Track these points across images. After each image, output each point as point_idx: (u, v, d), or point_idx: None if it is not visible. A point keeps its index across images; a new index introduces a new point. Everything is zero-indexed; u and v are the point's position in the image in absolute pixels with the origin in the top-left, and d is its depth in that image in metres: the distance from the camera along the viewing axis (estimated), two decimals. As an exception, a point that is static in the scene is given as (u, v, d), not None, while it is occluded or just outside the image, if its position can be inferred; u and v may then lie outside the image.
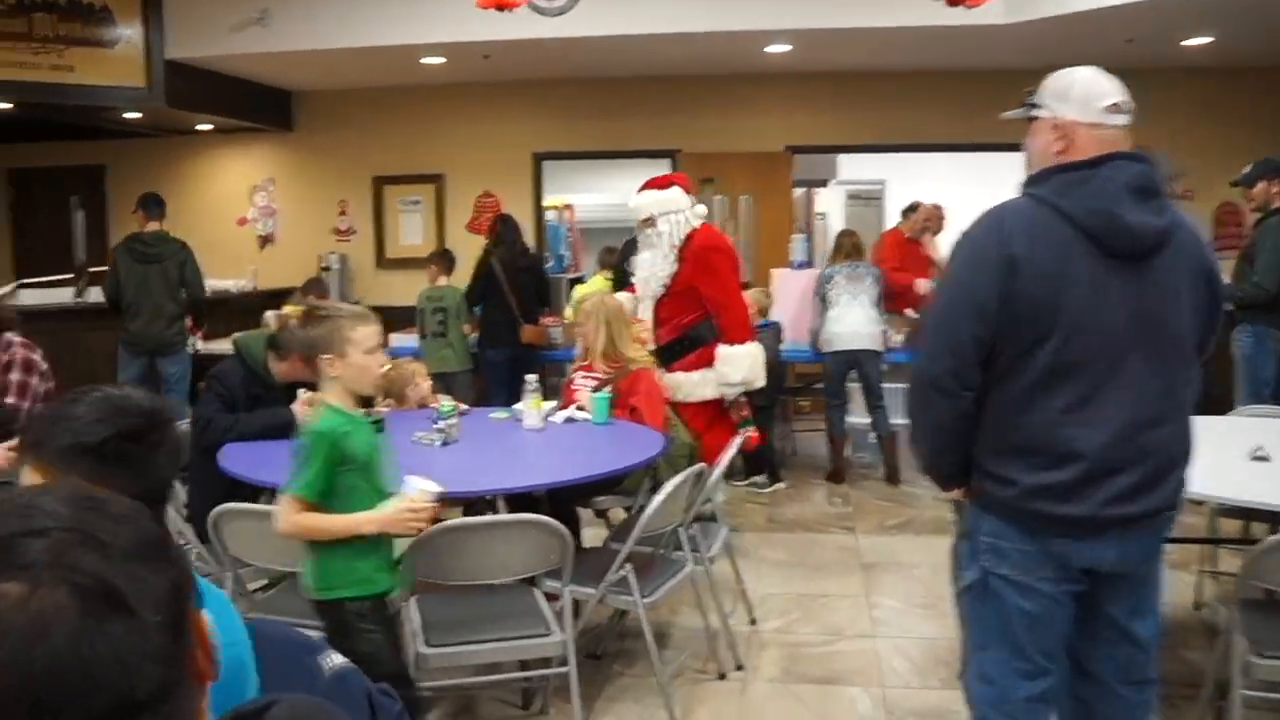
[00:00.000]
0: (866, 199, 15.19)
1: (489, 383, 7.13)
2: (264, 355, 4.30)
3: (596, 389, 4.58)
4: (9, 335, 4.71)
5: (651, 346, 5.16)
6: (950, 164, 13.24)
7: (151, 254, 7.04)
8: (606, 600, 3.49)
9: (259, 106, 9.30)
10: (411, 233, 9.59)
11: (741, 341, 5.10)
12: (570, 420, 4.41)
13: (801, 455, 7.64)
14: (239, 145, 9.85)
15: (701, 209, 5.15)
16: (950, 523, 5.85)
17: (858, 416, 6.90)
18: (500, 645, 3.07)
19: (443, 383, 7.21)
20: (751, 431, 5.30)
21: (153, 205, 7.26)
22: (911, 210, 8.42)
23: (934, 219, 8.98)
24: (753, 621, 4.41)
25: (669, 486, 3.46)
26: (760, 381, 5.22)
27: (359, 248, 9.68)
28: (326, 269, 9.40)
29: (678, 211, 5.04)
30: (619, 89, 9.11)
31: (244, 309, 8.58)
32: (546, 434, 4.23)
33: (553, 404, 4.57)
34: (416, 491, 2.80)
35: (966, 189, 9.75)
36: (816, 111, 9.07)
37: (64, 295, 7.90)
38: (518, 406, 4.44)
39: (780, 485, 6.70)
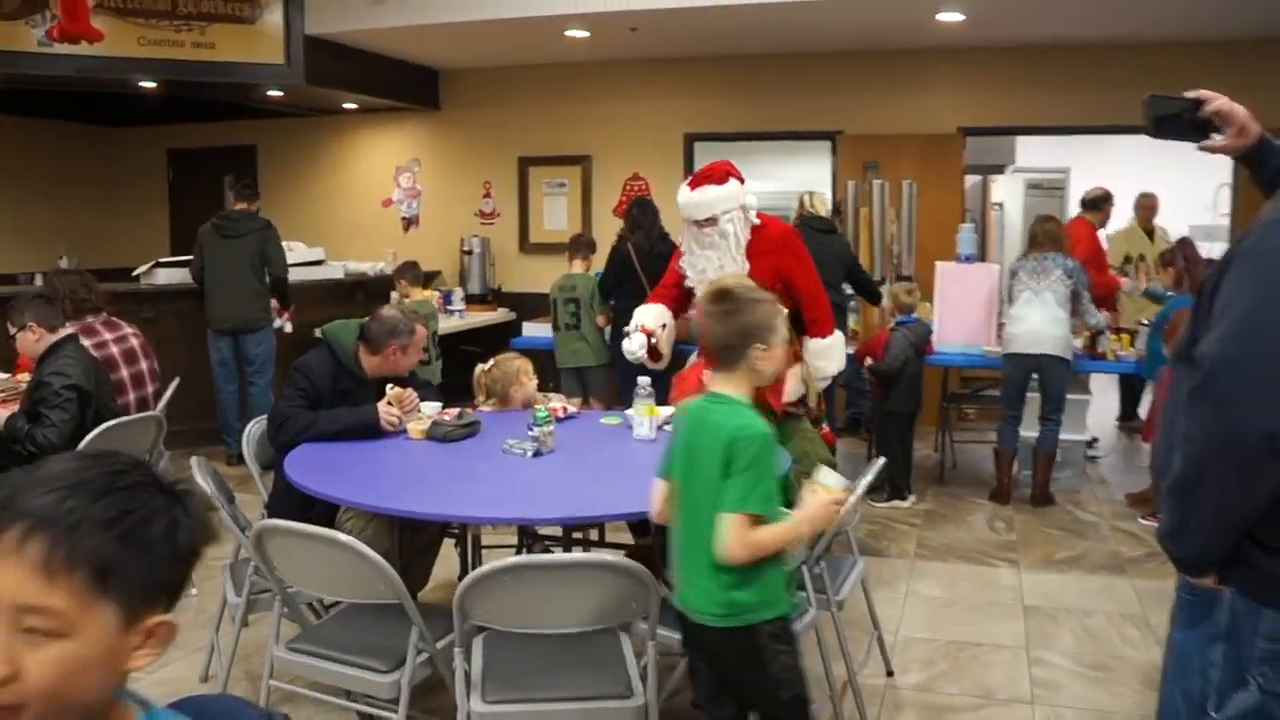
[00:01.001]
0: (1048, 189, 14.08)
1: (622, 380, 6.66)
2: (354, 347, 3.93)
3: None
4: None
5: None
6: (1140, 150, 12.13)
7: (234, 230, 6.85)
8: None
9: (405, 85, 9.08)
10: (556, 216, 9.22)
11: (831, 331, 4.64)
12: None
13: (962, 469, 6.91)
14: (385, 125, 9.67)
15: (753, 199, 4.55)
16: (1127, 560, 5.16)
17: (1029, 429, 6.14)
18: (567, 707, 2.56)
19: (578, 379, 6.83)
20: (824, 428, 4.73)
21: (242, 187, 7.14)
22: (1101, 201, 7.54)
23: (1148, 209, 8.18)
24: (889, 674, 3.80)
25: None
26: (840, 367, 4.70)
27: (502, 231, 9.36)
28: (468, 252, 9.12)
29: (739, 208, 4.48)
30: (776, 65, 8.50)
31: (379, 294, 8.36)
32: (658, 446, 3.71)
33: (669, 410, 4.05)
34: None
35: (1160, 177, 8.80)
36: (992, 89, 8.23)
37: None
38: (630, 412, 3.94)
39: (903, 503, 6.03)
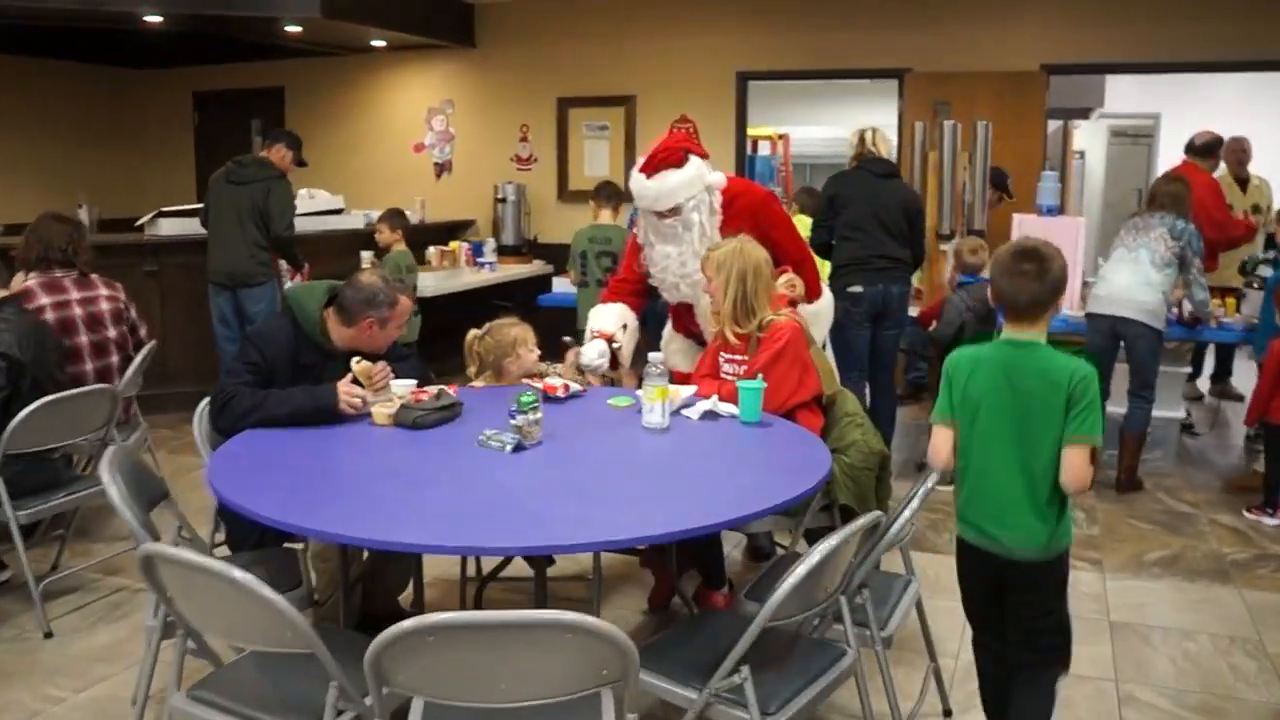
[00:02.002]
0: (1134, 136, 13.06)
1: (653, 338, 6.02)
2: (319, 314, 3.33)
3: (747, 371, 3.42)
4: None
5: (800, 296, 3.95)
6: (1238, 94, 11.11)
7: (242, 176, 6.25)
8: (711, 714, 2.32)
9: (438, 21, 8.44)
10: (597, 162, 8.57)
11: (819, 294, 4.20)
12: (710, 415, 3.25)
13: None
14: (417, 64, 9.06)
15: (720, 176, 3.89)
16: (1232, 564, 4.43)
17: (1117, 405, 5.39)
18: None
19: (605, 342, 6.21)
20: None
21: (271, 135, 6.52)
22: (1214, 146, 6.69)
23: (1238, 154, 7.29)
24: (947, 714, 3.16)
25: (826, 546, 2.24)
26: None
27: (539, 178, 8.72)
28: (502, 201, 8.51)
29: (704, 190, 3.84)
30: (837, -4, 7.72)
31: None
32: (671, 437, 3.08)
33: (688, 391, 3.40)
34: None
35: (1259, 126, 7.81)
36: (1080, 22, 7.38)
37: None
38: (640, 393, 3.30)
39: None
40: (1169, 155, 12.05)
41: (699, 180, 3.83)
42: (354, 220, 7.78)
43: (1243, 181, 7.48)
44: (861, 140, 5.60)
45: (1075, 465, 2.47)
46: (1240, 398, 7.38)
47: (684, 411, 3.26)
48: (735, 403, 3.27)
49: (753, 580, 2.95)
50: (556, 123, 8.67)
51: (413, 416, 3.08)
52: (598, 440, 3.04)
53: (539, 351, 3.77)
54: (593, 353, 3.97)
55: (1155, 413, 5.51)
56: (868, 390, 5.37)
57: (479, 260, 8.02)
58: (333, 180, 8.59)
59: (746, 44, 8.08)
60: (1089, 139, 12.47)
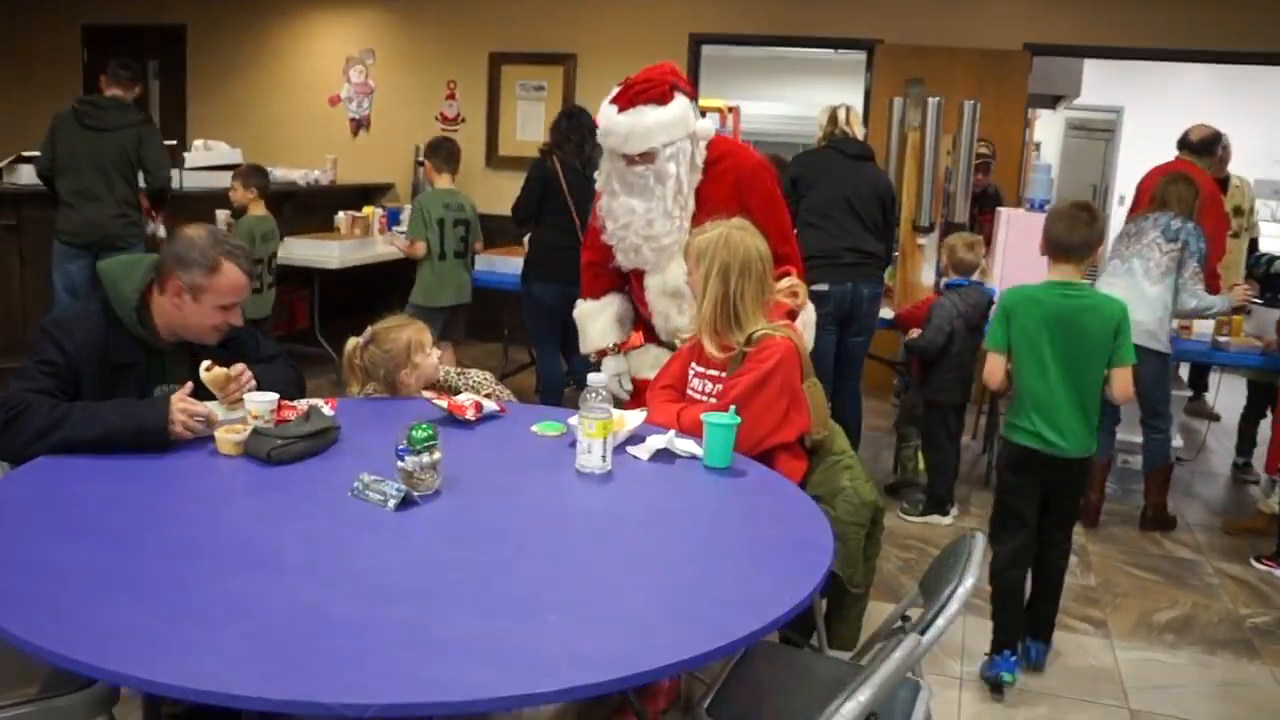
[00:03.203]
0: (1092, 131, 12.55)
1: (533, 329, 5.40)
2: (138, 296, 2.49)
3: (720, 398, 2.68)
4: None
5: (802, 305, 3.19)
6: (1205, 89, 10.60)
7: (101, 121, 5.31)
8: None
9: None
10: (531, 125, 7.75)
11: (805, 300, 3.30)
12: (665, 454, 2.49)
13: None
14: (336, 7, 8.16)
15: (709, 125, 3.20)
16: (1255, 633, 3.74)
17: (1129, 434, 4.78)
18: None
19: (443, 319, 5.55)
20: None
21: (119, 68, 5.52)
22: (1212, 144, 6.06)
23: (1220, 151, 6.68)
24: None
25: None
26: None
27: (467, 140, 7.81)
28: (423, 163, 7.62)
29: (687, 136, 3.11)
30: (806, -46, 6.98)
31: (310, 209, 6.91)
32: (612, 488, 2.31)
33: (635, 417, 2.63)
34: None
35: (1225, 125, 7.14)
36: (1065, 2, 6.73)
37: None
38: (574, 421, 2.53)
39: (944, 518, 4.68)
40: (1131, 152, 11.62)
41: (683, 124, 3.08)
42: (253, 178, 6.85)
43: (1222, 182, 6.89)
44: (833, 118, 4.87)
45: (1123, 382, 3.19)
46: (1217, 417, 6.84)
47: (630, 449, 2.50)
48: (699, 435, 2.52)
49: (711, 688, 2.19)
50: (487, 80, 7.83)
51: (268, 447, 2.27)
52: (514, 491, 2.25)
53: (438, 352, 2.97)
54: (606, 375, 3.33)
55: (1130, 438, 4.91)
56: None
57: (395, 228, 7.16)
58: (234, 132, 7.68)
59: (701, 3, 7.32)
60: (1043, 130, 11.91)
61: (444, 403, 2.65)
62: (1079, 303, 3.15)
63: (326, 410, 2.57)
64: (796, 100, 10.91)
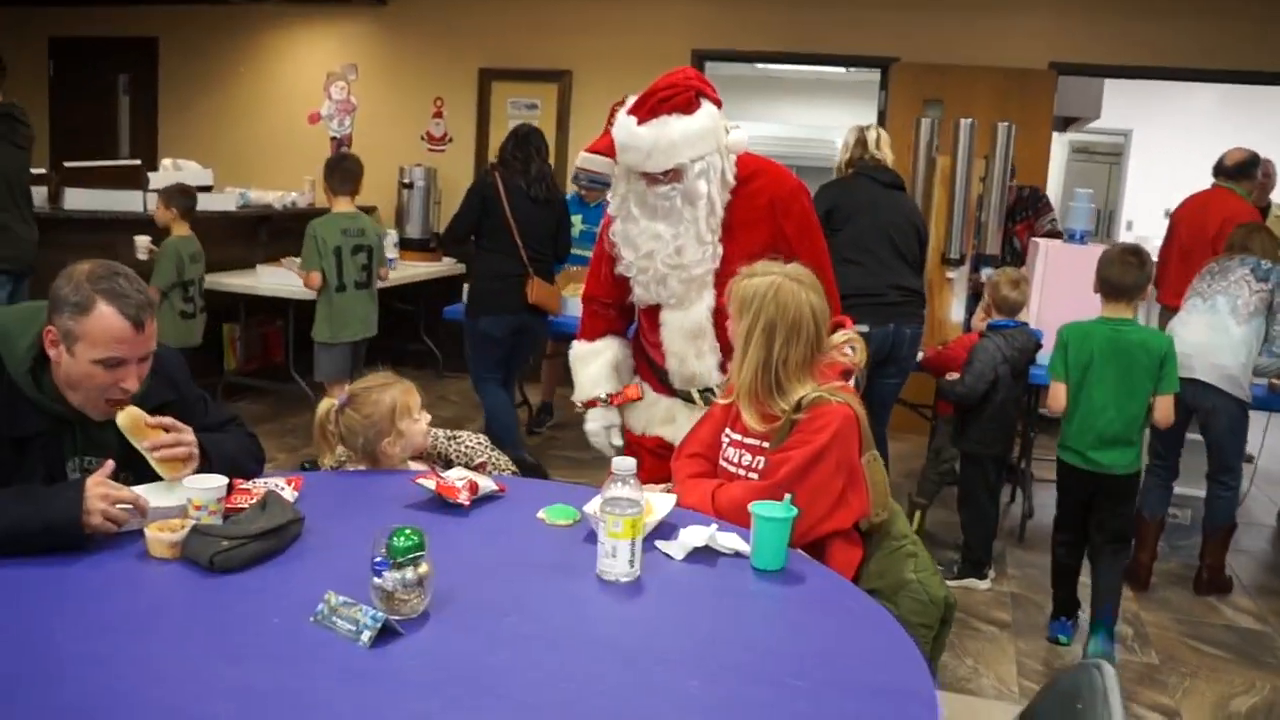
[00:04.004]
0: (1100, 155, 12.17)
1: (476, 364, 5.03)
2: (34, 353, 2.02)
3: (764, 476, 2.24)
4: None
5: (860, 364, 2.72)
6: (1216, 111, 10.25)
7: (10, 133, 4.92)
8: None
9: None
10: (523, 147, 7.27)
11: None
12: (707, 550, 2.03)
13: (1044, 521, 5.06)
14: (317, 20, 7.72)
15: (741, 136, 2.74)
16: None
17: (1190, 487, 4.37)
18: None
19: (350, 355, 5.14)
20: None
21: None
22: (1249, 166, 5.67)
23: (1266, 179, 6.31)
24: None
25: None
26: None
27: (454, 161, 7.43)
28: (408, 185, 7.20)
29: (717, 150, 2.67)
30: (817, -33, 6.58)
31: (285, 234, 6.45)
32: (643, 603, 1.85)
33: (664, 503, 2.17)
34: None
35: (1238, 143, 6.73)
36: (1096, 17, 6.35)
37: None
38: (592, 510, 2.08)
39: (981, 583, 4.25)
40: (1139, 177, 11.26)
41: (712, 135, 2.65)
42: (226, 200, 6.40)
43: (1263, 210, 6.50)
44: (861, 141, 4.43)
45: (1166, 409, 3.53)
46: (1249, 458, 6.41)
47: (661, 544, 2.05)
48: (738, 521, 2.08)
49: None
50: (477, 98, 7.39)
51: (211, 551, 1.80)
52: (520, 611, 1.77)
53: (427, 416, 2.51)
54: (595, 426, 3.02)
55: (1179, 490, 4.48)
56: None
57: (291, 258, 6.70)
58: (207, 150, 7.22)
59: (704, 18, 6.91)
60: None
61: (432, 484, 2.18)
62: (1130, 337, 3.52)
63: (288, 493, 2.12)
64: (792, 121, 10.53)
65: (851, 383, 2.50)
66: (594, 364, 3.04)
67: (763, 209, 2.78)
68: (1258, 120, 9.45)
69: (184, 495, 1.94)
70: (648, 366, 3.03)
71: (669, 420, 2.98)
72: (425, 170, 7.21)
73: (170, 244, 5.05)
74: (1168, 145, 10.52)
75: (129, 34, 8.15)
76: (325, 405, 2.38)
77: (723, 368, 2.84)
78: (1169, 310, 5.28)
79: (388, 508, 2.15)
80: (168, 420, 2.06)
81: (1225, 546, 4.34)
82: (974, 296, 5.16)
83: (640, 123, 2.62)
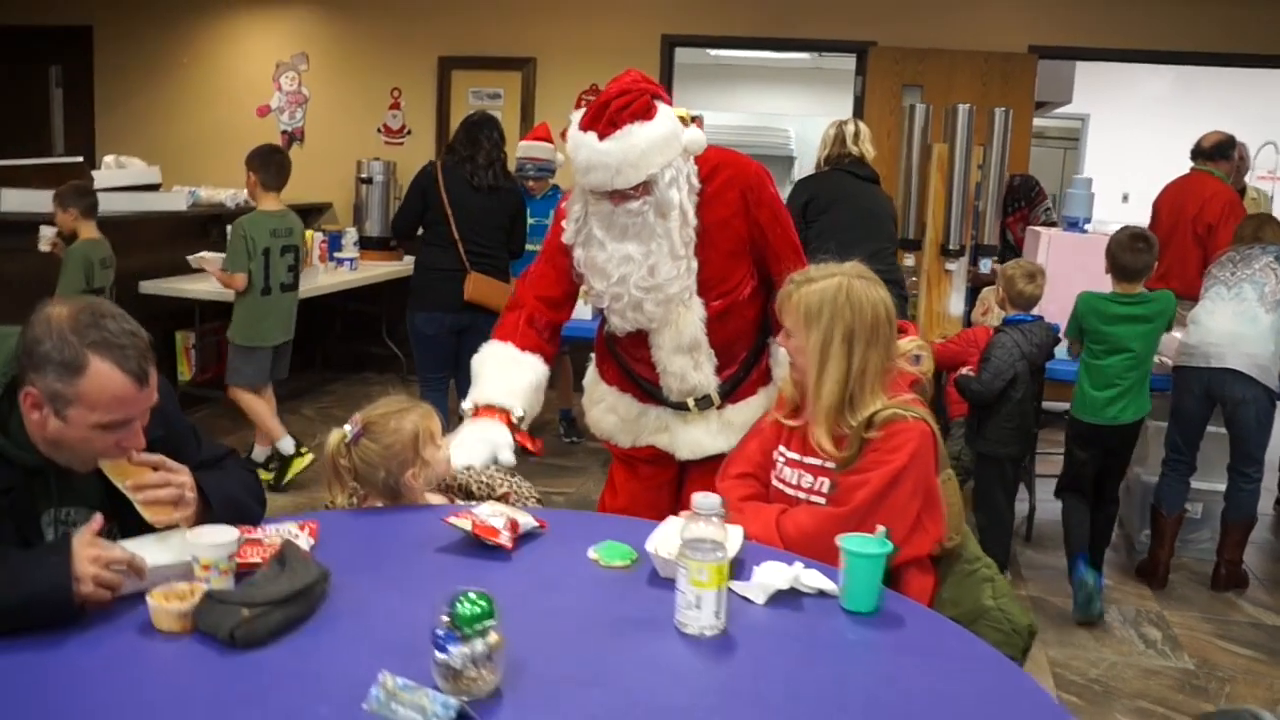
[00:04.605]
0: (1055, 139, 12.09)
1: (419, 365, 4.84)
2: (2, 382, 1.72)
3: (837, 502, 2.01)
4: None
5: (928, 374, 2.49)
6: (1170, 95, 10.22)
7: None
8: None
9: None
10: (486, 139, 6.97)
11: None
12: (789, 594, 1.80)
13: (1048, 519, 4.88)
14: (266, 6, 7.32)
15: (698, 135, 2.46)
16: None
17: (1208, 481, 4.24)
18: None
19: (270, 361, 4.85)
20: None
21: None
22: (1226, 148, 5.58)
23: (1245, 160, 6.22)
24: None
25: None
26: None
27: (414, 154, 7.09)
28: (366, 181, 6.86)
29: (681, 154, 2.44)
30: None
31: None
32: (738, 661, 1.61)
33: (733, 536, 1.92)
34: None
35: (1188, 131, 6.60)
36: (1070, 2, 6.21)
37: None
38: (654, 548, 1.84)
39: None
40: (1095, 161, 11.20)
41: (675, 139, 2.40)
42: (175, 199, 6.02)
43: (1240, 191, 6.41)
44: (840, 138, 4.39)
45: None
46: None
47: (736, 585, 1.80)
48: (808, 551, 1.86)
49: None
50: (437, 88, 7.08)
51: (231, 623, 1.52)
52: (604, 683, 1.51)
53: (447, 441, 2.24)
54: (485, 442, 2.44)
55: (1196, 484, 4.34)
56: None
57: (335, 255, 6.38)
58: (148, 147, 6.82)
59: (675, 2, 6.65)
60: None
61: (467, 524, 1.91)
62: (1140, 305, 3.86)
63: (304, 540, 1.85)
64: (745, 110, 10.35)
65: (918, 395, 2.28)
66: (521, 376, 2.61)
67: (734, 202, 2.56)
68: (1213, 102, 9.42)
69: (185, 548, 1.66)
70: (625, 377, 2.78)
71: (662, 429, 2.75)
72: (384, 165, 6.87)
73: (77, 249, 4.60)
74: (1119, 130, 10.50)
75: (61, 22, 7.69)
76: (337, 437, 2.09)
77: (719, 372, 2.64)
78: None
79: (419, 554, 1.89)
80: (156, 458, 1.78)
81: (1244, 542, 4.21)
82: (972, 289, 4.99)
83: (602, 138, 2.35)
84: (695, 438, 2.69)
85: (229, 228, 4.78)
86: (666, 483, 2.85)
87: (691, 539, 1.64)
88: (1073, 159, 11.76)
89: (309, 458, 4.89)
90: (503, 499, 2.29)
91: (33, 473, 1.74)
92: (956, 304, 4.76)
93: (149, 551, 1.68)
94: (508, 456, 2.44)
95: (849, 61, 6.81)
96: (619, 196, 2.42)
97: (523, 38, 6.84)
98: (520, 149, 5.31)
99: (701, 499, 1.67)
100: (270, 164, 4.76)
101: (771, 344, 2.68)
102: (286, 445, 4.87)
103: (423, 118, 7.12)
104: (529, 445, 2.58)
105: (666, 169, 2.40)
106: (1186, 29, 6.20)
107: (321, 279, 5.95)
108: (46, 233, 4.86)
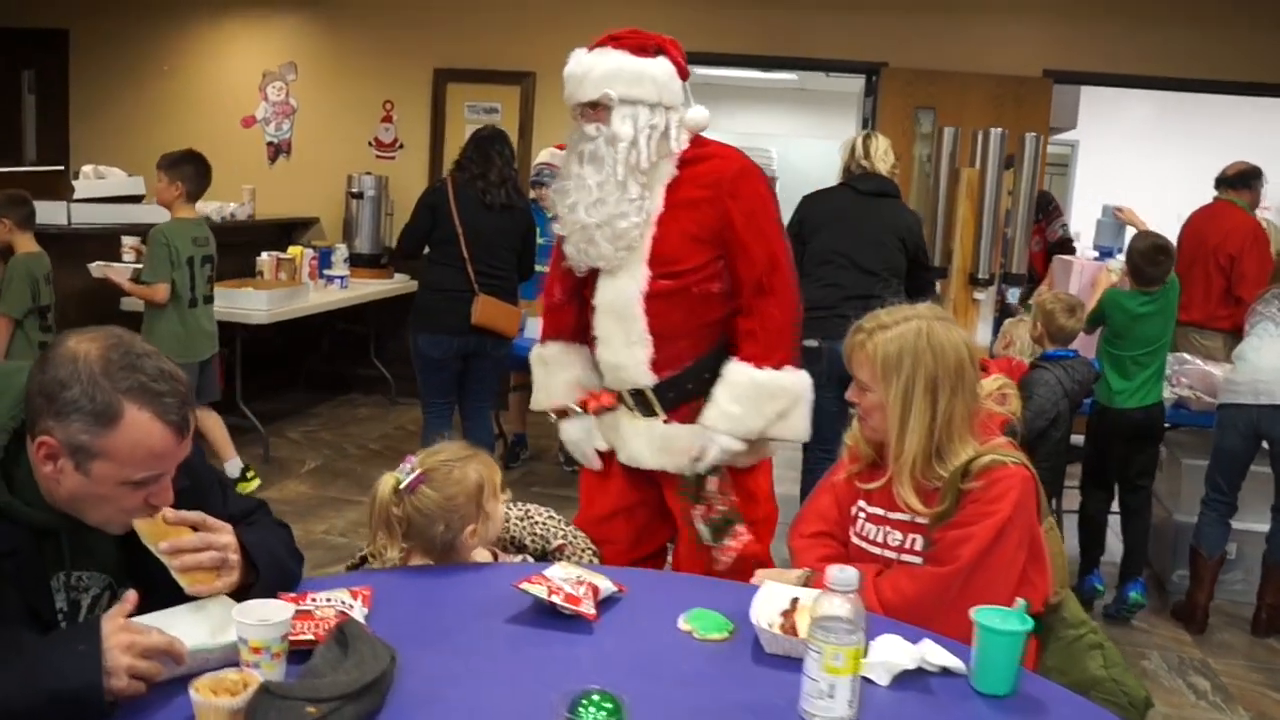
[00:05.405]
0: (1046, 164, 12.02)
1: (422, 389, 4.60)
2: (9, 427, 1.48)
3: (936, 561, 1.82)
4: None
5: (1017, 415, 2.33)
6: (1156, 122, 10.17)
7: None
8: None
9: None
10: (482, 154, 6.76)
11: (785, 358, 2.55)
12: (916, 673, 1.59)
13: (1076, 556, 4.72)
14: (250, 13, 7.07)
15: (701, 113, 2.57)
16: None
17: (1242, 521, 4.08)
18: None
19: (195, 378, 4.51)
20: (737, 539, 2.50)
21: None
22: (1250, 178, 5.48)
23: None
24: None
25: None
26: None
27: (406, 168, 6.87)
28: (356, 195, 6.61)
29: (657, 106, 2.48)
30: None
31: (225, 249, 5.82)
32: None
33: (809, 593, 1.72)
34: None
35: (1172, 160, 6.55)
36: (1092, 24, 6.11)
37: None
38: (758, 619, 1.63)
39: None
40: (1086, 189, 11.14)
41: (652, 83, 2.47)
42: (157, 211, 5.74)
43: (1259, 223, 6.32)
44: (851, 151, 4.18)
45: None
46: None
47: (868, 669, 1.59)
48: (911, 620, 1.66)
49: None
50: (431, 101, 6.84)
51: None
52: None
53: (506, 494, 2.01)
54: (573, 434, 2.69)
55: (1236, 525, 4.19)
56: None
57: (325, 273, 6.13)
58: (126, 157, 6.52)
59: (676, 18, 6.44)
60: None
61: (542, 590, 1.69)
62: (1157, 302, 4.00)
63: (358, 610, 1.62)
64: (728, 130, 10.21)
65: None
66: (560, 369, 2.73)
67: (709, 187, 2.51)
68: (1199, 129, 9.39)
69: (227, 624, 1.43)
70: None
71: (613, 426, 2.65)
72: (375, 179, 6.63)
73: (19, 263, 4.32)
74: (1108, 156, 10.45)
75: (35, 25, 7.39)
76: (388, 484, 1.86)
77: (653, 365, 2.53)
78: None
79: (488, 624, 1.66)
80: (195, 516, 1.54)
81: None
82: (998, 319, 4.82)
83: (589, 50, 2.50)
84: (638, 447, 2.59)
85: (146, 236, 4.57)
86: (641, 500, 2.72)
87: (824, 617, 1.43)
88: (1060, 184, 11.72)
89: (255, 482, 4.82)
90: (558, 551, 2.07)
91: (42, 532, 1.50)
92: (984, 334, 4.59)
93: (186, 629, 1.44)
94: (601, 444, 2.66)
95: (835, 83, 6.69)
96: (583, 116, 2.48)
97: (522, 51, 6.63)
98: (542, 155, 5.23)
99: (837, 573, 1.46)
100: (191, 168, 4.57)
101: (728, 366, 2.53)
102: (233, 468, 4.75)
103: (416, 131, 6.88)
104: (605, 403, 2.62)
105: (627, 104, 2.43)
106: (1202, 56, 6.11)
107: (312, 297, 5.71)
108: None
